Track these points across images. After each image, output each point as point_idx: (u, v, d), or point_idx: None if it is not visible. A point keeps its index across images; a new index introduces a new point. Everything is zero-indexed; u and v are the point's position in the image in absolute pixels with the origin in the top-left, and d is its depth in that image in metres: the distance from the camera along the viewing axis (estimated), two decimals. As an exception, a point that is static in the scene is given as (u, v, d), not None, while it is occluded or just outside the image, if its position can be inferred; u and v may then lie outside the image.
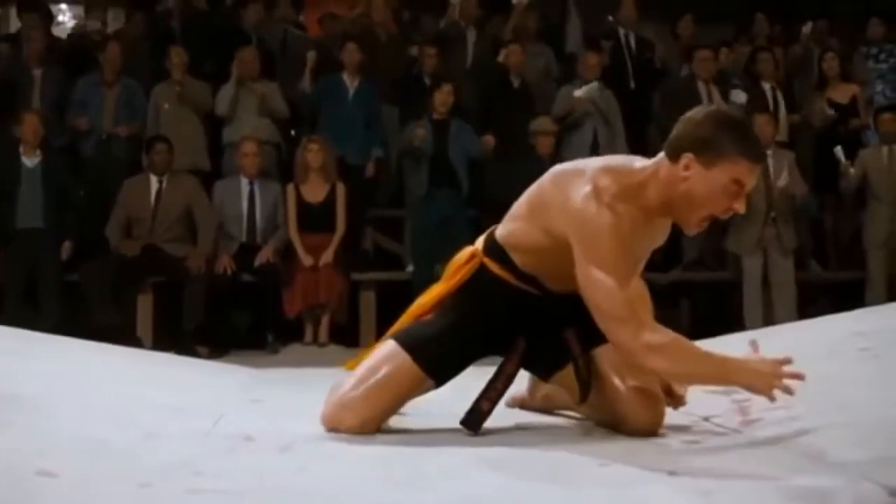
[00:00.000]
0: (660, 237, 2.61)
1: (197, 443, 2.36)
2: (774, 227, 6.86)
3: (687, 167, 2.37)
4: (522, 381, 2.82)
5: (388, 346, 2.58)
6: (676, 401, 2.61)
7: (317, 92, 7.48)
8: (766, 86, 7.65)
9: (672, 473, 1.99)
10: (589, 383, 2.55)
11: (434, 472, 2.07)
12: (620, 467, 2.07)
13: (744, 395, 2.76)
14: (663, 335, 2.34)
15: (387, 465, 2.14)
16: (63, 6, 10.06)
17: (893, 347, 2.96)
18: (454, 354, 2.57)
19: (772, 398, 2.30)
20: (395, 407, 2.56)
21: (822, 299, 7.40)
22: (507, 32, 7.99)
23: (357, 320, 6.76)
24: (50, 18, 8.69)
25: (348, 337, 6.59)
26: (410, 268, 6.95)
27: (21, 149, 6.67)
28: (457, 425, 2.54)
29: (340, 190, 6.74)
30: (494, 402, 2.55)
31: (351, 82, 7.31)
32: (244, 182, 6.80)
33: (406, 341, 2.56)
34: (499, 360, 2.63)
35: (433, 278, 2.76)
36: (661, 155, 2.43)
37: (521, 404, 2.96)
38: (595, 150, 6.78)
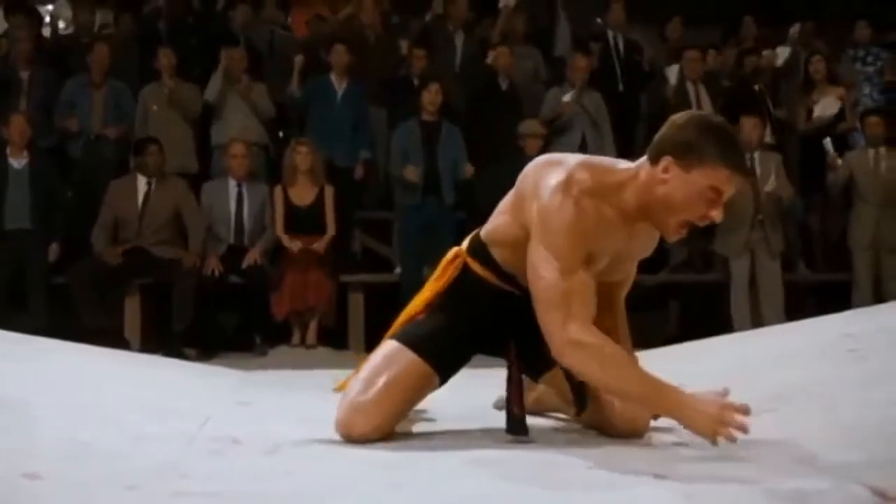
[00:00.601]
0: (644, 243, 2.57)
1: (184, 445, 2.36)
2: (762, 230, 6.88)
3: (666, 170, 2.34)
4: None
5: (390, 347, 2.56)
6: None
7: (305, 94, 7.48)
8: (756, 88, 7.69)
9: (659, 476, 1.99)
10: (583, 394, 2.53)
11: (423, 473, 2.07)
12: (608, 470, 2.07)
13: (730, 397, 2.77)
14: (591, 336, 2.30)
15: (375, 468, 2.14)
16: (50, 7, 10.01)
17: (880, 349, 2.97)
18: (452, 351, 2.57)
19: (713, 443, 2.21)
20: (406, 408, 2.54)
21: (809, 301, 7.43)
22: (496, 35, 8.00)
23: (345, 322, 6.75)
24: (38, 19, 8.65)
25: (336, 339, 6.59)
26: (398, 270, 6.95)
27: (8, 150, 6.65)
28: (451, 427, 2.54)
29: (329, 192, 6.74)
30: (521, 404, 2.53)
31: (339, 84, 7.31)
32: (232, 184, 6.79)
33: (409, 340, 2.55)
34: (488, 359, 2.63)
35: (421, 280, 2.77)
36: (644, 158, 2.42)
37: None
38: (583, 153, 6.76)
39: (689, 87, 7.42)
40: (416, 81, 7.32)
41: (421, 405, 2.66)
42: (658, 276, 7.21)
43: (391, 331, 2.65)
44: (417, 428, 2.70)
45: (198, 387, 3.70)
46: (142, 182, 6.64)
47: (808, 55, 8.02)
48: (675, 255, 7.31)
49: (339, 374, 2.59)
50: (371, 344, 2.79)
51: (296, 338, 6.53)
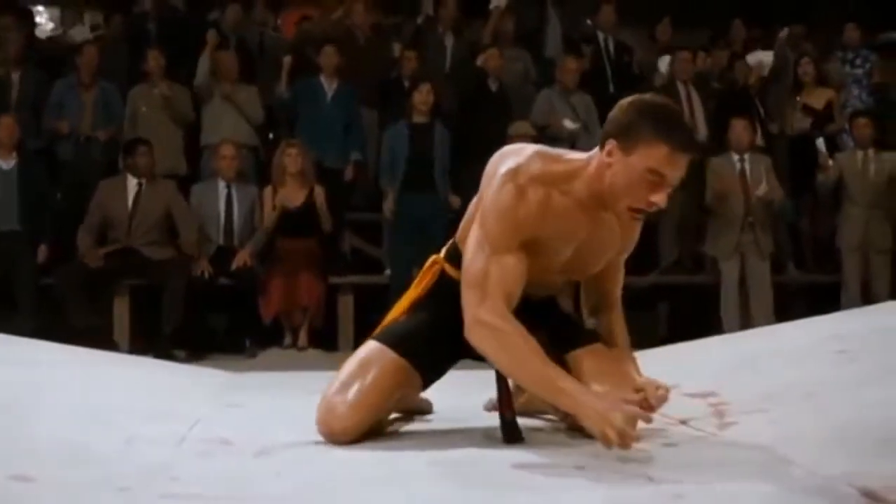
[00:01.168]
0: (614, 234, 2.51)
1: (174, 447, 2.36)
2: (752, 232, 6.90)
3: (610, 154, 2.33)
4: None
5: (369, 346, 2.56)
6: (649, 407, 2.44)
7: (293, 95, 7.47)
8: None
9: (649, 477, 1.99)
10: None
11: (412, 474, 2.07)
12: (597, 471, 2.07)
13: (720, 398, 2.78)
14: (498, 319, 2.30)
15: (363, 469, 2.14)
16: (40, 8, 9.99)
17: (869, 350, 2.98)
18: (432, 351, 2.55)
19: (606, 445, 2.15)
20: (386, 405, 2.52)
21: (798, 302, 7.45)
22: (486, 36, 8.00)
23: (335, 324, 6.74)
24: (30, 20, 8.62)
25: (326, 341, 6.58)
26: (388, 271, 6.95)
27: (-4, 151, 6.63)
28: (443, 427, 2.54)
29: (319, 192, 6.71)
30: (511, 408, 2.51)
31: (329, 85, 7.31)
32: (221, 185, 6.79)
33: (387, 339, 2.55)
34: (475, 363, 2.63)
35: (411, 282, 2.77)
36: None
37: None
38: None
39: (680, 87, 7.43)
40: (406, 83, 7.33)
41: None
42: (648, 278, 7.22)
43: (372, 334, 2.65)
44: (412, 427, 2.70)
45: (188, 388, 3.69)
46: (132, 183, 6.62)
47: (796, 57, 8.04)
48: (665, 256, 7.33)
49: (330, 376, 2.59)
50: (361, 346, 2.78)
51: (286, 339, 6.52)
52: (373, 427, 2.47)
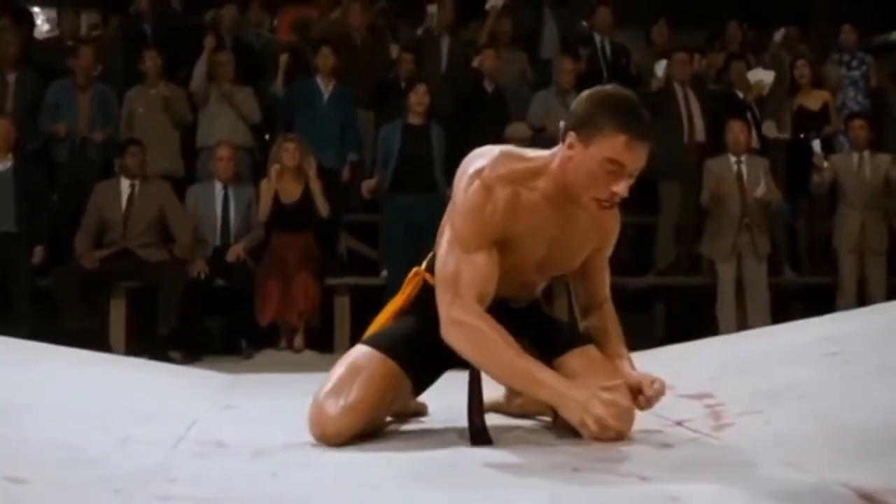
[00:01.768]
0: (587, 228, 2.53)
1: (170, 448, 2.36)
2: (749, 233, 6.91)
3: (571, 146, 2.36)
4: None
5: (358, 350, 2.56)
6: (646, 400, 2.49)
7: (290, 96, 7.47)
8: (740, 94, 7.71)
9: (644, 478, 1.99)
10: None
11: (408, 475, 2.07)
12: (591, 472, 2.08)
13: (716, 399, 2.79)
14: (471, 317, 2.33)
15: (360, 470, 2.14)
16: (36, 9, 9.98)
17: (864, 352, 2.98)
18: (419, 354, 2.53)
19: (586, 434, 2.19)
20: (376, 409, 2.50)
21: (794, 304, 7.46)
22: (483, 37, 8.01)
23: (331, 326, 6.74)
24: (28, 21, 8.61)
25: (322, 342, 6.58)
26: (385, 273, 6.94)
27: (-8, 153, 6.63)
28: (437, 428, 2.54)
29: (315, 183, 6.67)
30: (482, 414, 2.50)
31: (325, 86, 7.31)
32: (218, 186, 6.79)
33: (377, 342, 2.56)
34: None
35: (407, 284, 2.78)
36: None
37: (497, 408, 2.95)
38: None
39: (678, 88, 7.43)
40: (403, 84, 7.33)
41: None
42: (645, 279, 7.23)
43: (360, 339, 2.65)
44: (407, 428, 2.70)
45: (184, 390, 3.69)
46: (125, 184, 6.62)
47: (792, 59, 8.05)
48: (662, 258, 7.33)
49: (325, 378, 2.59)
50: (357, 348, 2.78)
51: (283, 341, 6.52)
52: (367, 429, 2.47)
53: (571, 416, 2.21)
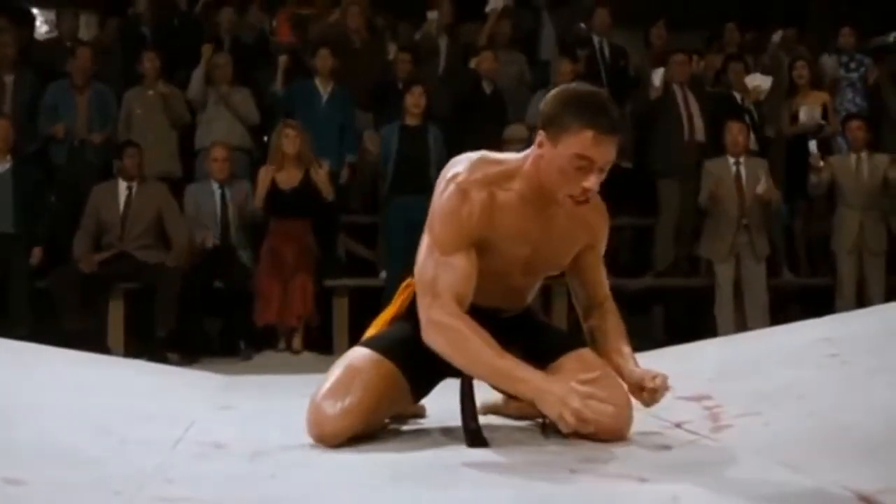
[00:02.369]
0: (569, 227, 2.54)
1: (168, 450, 2.35)
2: (747, 234, 6.92)
3: (540, 145, 2.40)
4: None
5: (356, 352, 2.56)
6: (649, 395, 2.48)
7: (289, 97, 7.46)
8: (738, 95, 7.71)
9: (642, 480, 1.99)
10: None
11: (406, 476, 2.07)
12: (591, 473, 2.08)
13: (715, 401, 2.78)
14: (449, 317, 2.34)
15: (358, 471, 2.14)
16: (35, 11, 9.97)
17: (862, 354, 2.98)
18: (416, 357, 2.51)
19: (564, 428, 2.19)
20: (374, 410, 2.49)
21: (793, 305, 7.46)
22: (482, 39, 8.01)
23: (330, 327, 6.73)
24: (28, 22, 8.60)
25: (321, 344, 6.57)
26: (384, 274, 6.94)
27: (-9, 155, 6.63)
28: (436, 430, 2.54)
29: (316, 169, 6.64)
30: (475, 417, 2.51)
31: (324, 88, 7.31)
32: (214, 186, 6.79)
33: (374, 344, 2.56)
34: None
35: (406, 286, 2.78)
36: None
37: (495, 410, 2.95)
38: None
39: (677, 90, 7.43)
40: (401, 86, 7.33)
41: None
42: (643, 281, 7.23)
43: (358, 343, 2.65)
44: (405, 429, 2.70)
45: (182, 391, 3.69)
46: (123, 186, 6.62)
47: (791, 61, 8.05)
48: (660, 259, 7.33)
49: (323, 379, 2.59)
50: (356, 349, 2.77)
51: (281, 343, 6.51)
52: (365, 430, 2.47)
53: (549, 410, 2.22)
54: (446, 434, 2.60)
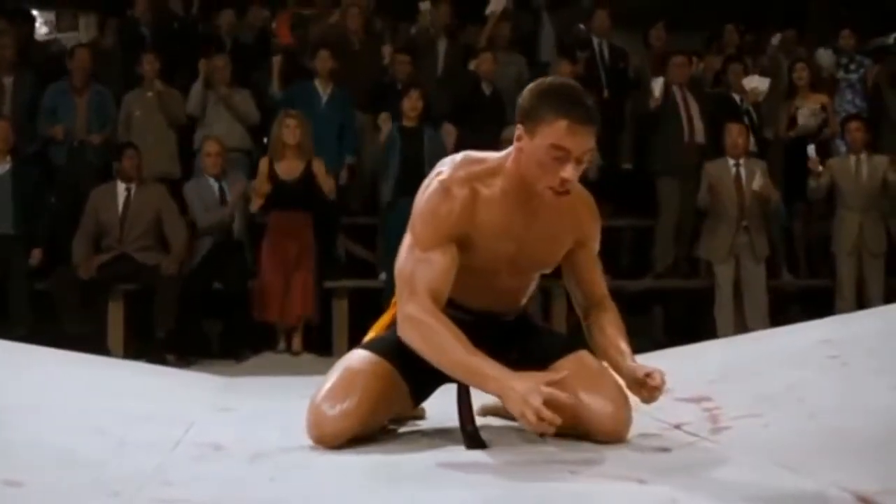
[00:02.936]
0: (554, 222, 2.54)
1: (167, 452, 2.35)
2: (747, 235, 6.92)
3: (519, 138, 2.42)
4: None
5: (355, 354, 2.56)
6: (649, 392, 2.46)
7: (289, 98, 7.46)
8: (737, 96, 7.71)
9: (641, 481, 1.99)
10: None
11: (405, 480, 2.07)
12: (590, 475, 2.07)
13: (714, 402, 2.78)
14: (423, 313, 2.35)
15: (357, 473, 2.13)
16: (34, 12, 9.97)
17: (862, 355, 2.98)
18: (417, 362, 2.48)
19: (526, 425, 2.19)
20: (374, 411, 2.48)
21: (792, 306, 7.46)
22: (482, 40, 8.01)
23: (330, 328, 6.73)
24: (28, 23, 8.59)
25: (320, 345, 6.57)
26: (383, 275, 6.93)
27: (-10, 157, 6.63)
28: (435, 432, 2.54)
29: (318, 163, 6.63)
30: (473, 419, 2.52)
31: (323, 89, 7.31)
32: (211, 181, 6.79)
33: (373, 347, 2.56)
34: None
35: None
36: None
37: (495, 412, 2.94)
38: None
39: (676, 91, 7.42)
40: (400, 87, 7.33)
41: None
42: (643, 282, 7.23)
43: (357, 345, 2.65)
44: (404, 431, 2.70)
45: (181, 393, 3.68)
46: (121, 188, 6.61)
47: (790, 63, 8.05)
48: (660, 260, 7.33)
49: (322, 381, 2.59)
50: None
51: (281, 344, 6.51)
52: (364, 432, 2.47)
53: (513, 407, 2.21)
54: (445, 436, 2.60)
